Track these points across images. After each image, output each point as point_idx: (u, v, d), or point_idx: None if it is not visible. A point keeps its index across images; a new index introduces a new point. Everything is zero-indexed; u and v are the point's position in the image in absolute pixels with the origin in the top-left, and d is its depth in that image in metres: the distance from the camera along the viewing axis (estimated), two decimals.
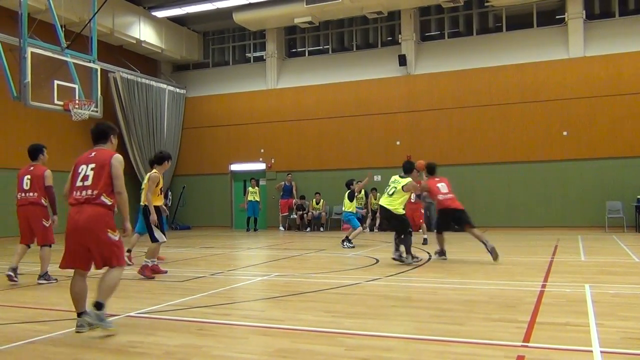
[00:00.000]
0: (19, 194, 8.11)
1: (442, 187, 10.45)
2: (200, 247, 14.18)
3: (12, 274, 8.04)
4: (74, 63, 15.30)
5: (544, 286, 7.06)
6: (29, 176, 8.10)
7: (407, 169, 10.14)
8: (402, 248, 9.63)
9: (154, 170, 9.03)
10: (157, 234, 8.73)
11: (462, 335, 4.69)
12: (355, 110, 20.60)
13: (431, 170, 10.76)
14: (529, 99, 18.50)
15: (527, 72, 18.59)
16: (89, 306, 4.98)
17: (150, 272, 8.51)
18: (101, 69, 16.71)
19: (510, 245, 12.85)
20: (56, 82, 14.53)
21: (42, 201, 8.04)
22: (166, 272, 8.94)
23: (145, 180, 9.09)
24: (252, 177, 20.67)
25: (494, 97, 18.91)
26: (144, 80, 21.42)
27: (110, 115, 19.93)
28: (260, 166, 21.87)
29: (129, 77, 20.82)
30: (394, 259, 9.67)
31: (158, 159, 9.15)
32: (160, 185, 9.05)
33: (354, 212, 13.82)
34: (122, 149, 21.04)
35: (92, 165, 5.28)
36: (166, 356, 4.26)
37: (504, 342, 4.44)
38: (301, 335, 4.84)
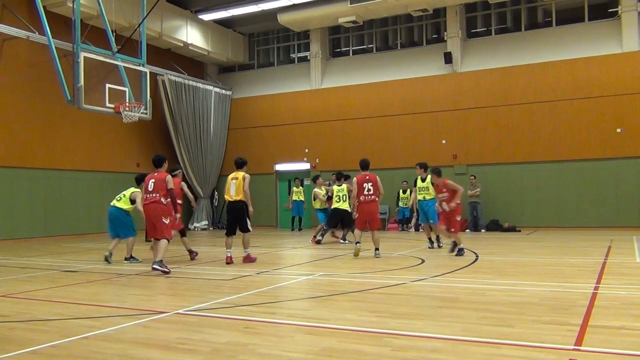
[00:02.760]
0: (145, 194, 9.40)
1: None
2: (250, 245, 14.29)
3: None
4: (124, 67, 15.74)
5: (596, 288, 6.84)
6: (153, 180, 9.44)
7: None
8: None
9: (243, 172, 10.50)
10: (249, 225, 10.45)
11: (512, 337, 4.58)
12: (400, 109, 20.45)
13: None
14: (581, 95, 17.95)
15: (578, 67, 18.05)
16: None
17: (251, 259, 10.45)
18: (150, 72, 17.14)
19: (561, 246, 12.49)
20: (107, 85, 14.98)
21: (163, 201, 9.27)
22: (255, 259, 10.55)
23: (240, 180, 10.38)
24: (297, 177, 20.76)
25: (543, 94, 18.44)
26: (191, 83, 21.83)
27: (159, 118, 20.44)
28: (305, 166, 21.97)
29: (177, 79, 21.26)
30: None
31: (243, 164, 10.69)
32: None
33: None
34: (170, 150, 21.52)
35: None
36: (213, 353, 4.32)
37: (555, 345, 4.31)
38: (347, 335, 4.83)
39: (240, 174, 10.42)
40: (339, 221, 14.29)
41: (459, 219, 10.90)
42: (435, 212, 11.63)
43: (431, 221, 12.30)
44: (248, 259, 10.40)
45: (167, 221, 9.30)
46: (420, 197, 12.66)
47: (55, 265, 10.42)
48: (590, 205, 17.66)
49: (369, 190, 10.87)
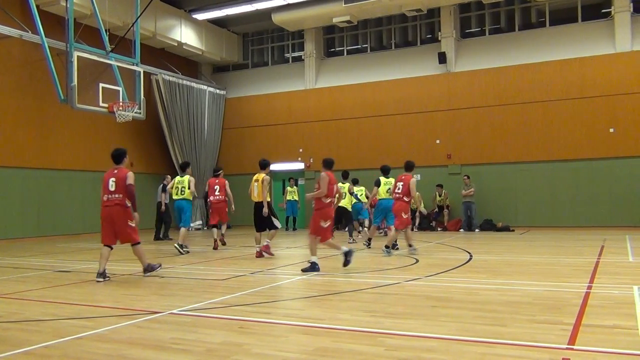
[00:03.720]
0: (105, 195, 8.42)
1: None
2: (240, 245, 14.32)
3: (101, 279, 8.15)
4: (118, 66, 15.69)
5: (590, 288, 6.87)
6: (114, 178, 8.47)
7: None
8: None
9: (264, 173, 11.08)
10: (276, 222, 11.16)
11: (506, 337, 4.60)
12: (395, 109, 20.48)
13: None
14: (574, 95, 18.04)
15: (571, 68, 18.13)
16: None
17: (267, 249, 11.12)
18: (144, 71, 17.09)
19: (555, 246, 12.54)
20: (101, 85, 14.93)
21: (127, 203, 8.37)
22: (273, 254, 11.22)
23: (259, 182, 11.05)
24: (291, 177, 20.76)
25: (536, 94, 18.51)
26: (185, 82, 21.79)
27: (153, 117, 20.38)
28: (299, 166, 21.97)
29: (171, 79, 21.21)
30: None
31: (265, 165, 11.26)
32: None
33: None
34: (164, 149, 21.49)
35: None
36: (208, 353, 4.31)
37: (548, 345, 4.33)
38: (341, 334, 4.83)
39: (261, 177, 11.11)
40: (339, 219, 14.84)
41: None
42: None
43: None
44: (265, 248, 11.17)
45: (133, 224, 8.50)
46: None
47: (49, 266, 10.38)
48: (584, 205, 17.74)
49: (399, 189, 11.31)
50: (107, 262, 8.40)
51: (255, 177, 11.28)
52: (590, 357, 4.05)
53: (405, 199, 11.11)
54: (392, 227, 11.63)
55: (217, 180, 13.75)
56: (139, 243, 8.49)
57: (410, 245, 11.24)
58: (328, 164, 9.25)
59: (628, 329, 4.80)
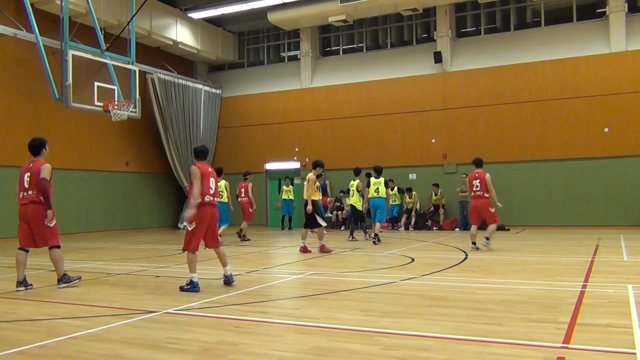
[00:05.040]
0: (21, 192, 7.56)
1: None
2: (235, 245, 14.30)
3: (22, 288, 7.42)
4: (113, 65, 15.65)
5: (584, 287, 6.89)
6: (29, 173, 7.55)
7: None
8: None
9: (311, 173, 11.70)
10: (320, 221, 11.59)
11: (501, 335, 4.61)
12: (390, 108, 20.48)
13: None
14: (569, 95, 18.08)
15: (566, 67, 18.18)
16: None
17: (326, 249, 11.48)
18: (139, 70, 17.06)
19: (550, 245, 12.57)
20: (96, 83, 14.90)
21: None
22: (331, 251, 11.58)
23: (306, 181, 11.70)
24: (287, 176, 20.74)
25: (532, 94, 18.56)
26: (180, 81, 21.74)
27: (148, 116, 20.32)
28: (295, 165, 21.95)
29: (166, 78, 21.16)
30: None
31: (316, 165, 11.83)
32: (317, 184, 11.97)
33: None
34: (159, 149, 21.44)
35: None
36: (203, 353, 4.31)
37: (543, 343, 4.35)
38: (337, 333, 4.83)
39: (307, 176, 11.78)
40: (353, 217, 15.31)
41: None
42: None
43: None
44: (323, 249, 11.54)
45: (51, 224, 7.49)
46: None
47: (43, 265, 10.33)
48: (579, 204, 17.79)
49: (477, 187, 11.51)
50: (26, 268, 7.57)
51: (305, 176, 11.97)
52: (585, 355, 4.07)
53: (486, 195, 11.39)
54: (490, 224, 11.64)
55: (243, 184, 15.56)
56: (57, 247, 7.54)
57: (487, 239, 11.49)
58: (198, 154, 7.57)
59: (622, 327, 4.82)
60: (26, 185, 7.52)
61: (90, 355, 4.29)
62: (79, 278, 7.80)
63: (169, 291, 7.26)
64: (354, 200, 14.61)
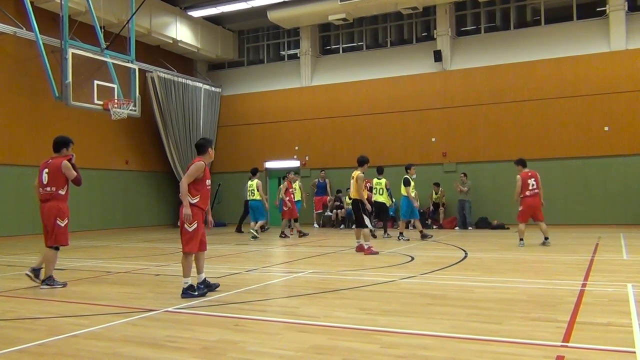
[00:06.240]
0: (40, 188, 7.70)
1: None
2: (235, 243, 14.31)
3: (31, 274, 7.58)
4: (113, 63, 15.65)
5: (584, 285, 6.90)
6: (47, 169, 7.71)
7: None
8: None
9: (359, 172, 11.18)
10: (367, 221, 11.15)
11: (501, 334, 4.61)
12: (390, 107, 20.48)
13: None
14: (569, 94, 18.07)
15: (566, 66, 18.17)
16: None
17: (369, 251, 10.81)
18: (139, 68, 17.06)
19: (550, 243, 12.56)
20: (96, 82, 14.89)
21: (61, 192, 7.67)
22: (377, 253, 10.91)
23: (354, 180, 11.19)
24: (296, 172, 20.67)
25: (531, 93, 18.55)
26: (180, 80, 21.74)
27: (148, 115, 20.32)
28: (295, 163, 21.95)
29: (166, 76, 21.16)
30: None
31: (364, 162, 11.26)
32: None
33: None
34: (159, 147, 21.44)
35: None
36: (203, 351, 4.31)
37: (543, 342, 4.35)
38: (336, 332, 4.84)
39: (356, 174, 11.21)
40: (377, 214, 15.67)
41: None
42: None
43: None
44: (359, 249, 11.19)
45: (62, 224, 7.63)
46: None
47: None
48: (578, 203, 17.79)
49: (533, 185, 11.74)
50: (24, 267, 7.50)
51: (352, 174, 11.44)
52: (584, 354, 4.07)
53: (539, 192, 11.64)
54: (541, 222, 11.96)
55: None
56: (56, 248, 7.62)
57: (547, 238, 11.93)
58: (199, 147, 7.12)
59: (622, 326, 4.82)
60: (44, 182, 7.66)
61: (90, 353, 4.30)
62: (64, 284, 7.61)
63: (169, 289, 7.26)
64: (384, 198, 14.96)
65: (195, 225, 6.57)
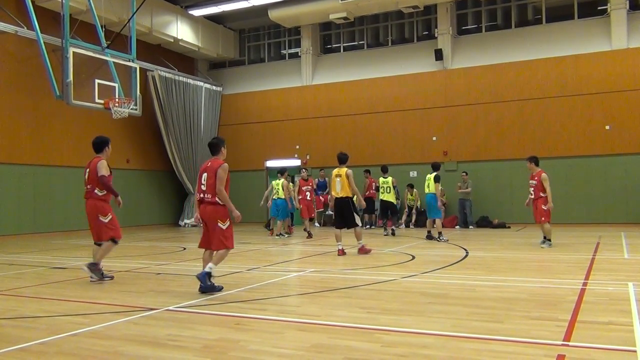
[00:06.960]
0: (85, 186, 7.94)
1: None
2: (236, 242, 14.28)
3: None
4: (114, 62, 15.66)
5: (585, 284, 6.89)
6: (88, 169, 7.95)
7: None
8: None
9: (346, 169, 10.82)
10: (357, 219, 10.70)
11: (501, 333, 4.61)
12: (391, 106, 20.47)
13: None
14: (570, 92, 18.06)
15: (567, 65, 18.16)
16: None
17: (363, 250, 10.64)
18: (140, 67, 17.06)
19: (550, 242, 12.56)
20: (97, 81, 14.91)
21: (98, 193, 7.81)
22: (371, 250, 10.79)
23: (343, 177, 10.71)
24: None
25: (533, 91, 18.54)
26: (181, 79, 21.73)
27: (149, 114, 20.32)
28: (296, 162, 21.95)
29: (167, 75, 21.16)
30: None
31: (346, 159, 11.00)
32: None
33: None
34: (160, 146, 21.45)
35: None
36: (204, 350, 4.32)
37: (544, 341, 4.35)
38: (337, 331, 4.84)
39: (343, 171, 10.76)
40: (385, 212, 15.72)
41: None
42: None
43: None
44: (362, 251, 10.70)
45: (106, 220, 7.83)
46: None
47: (44, 262, 10.36)
48: (579, 202, 17.78)
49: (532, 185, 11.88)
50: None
51: (335, 172, 10.86)
52: (585, 353, 4.07)
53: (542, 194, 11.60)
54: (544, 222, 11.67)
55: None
56: (114, 241, 7.93)
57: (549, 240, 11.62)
58: (213, 146, 7.85)
59: (623, 325, 4.82)
60: (86, 180, 7.97)
61: (91, 352, 4.30)
62: (111, 277, 7.95)
63: (170, 288, 7.27)
64: (391, 197, 15.18)
65: (228, 223, 7.10)
